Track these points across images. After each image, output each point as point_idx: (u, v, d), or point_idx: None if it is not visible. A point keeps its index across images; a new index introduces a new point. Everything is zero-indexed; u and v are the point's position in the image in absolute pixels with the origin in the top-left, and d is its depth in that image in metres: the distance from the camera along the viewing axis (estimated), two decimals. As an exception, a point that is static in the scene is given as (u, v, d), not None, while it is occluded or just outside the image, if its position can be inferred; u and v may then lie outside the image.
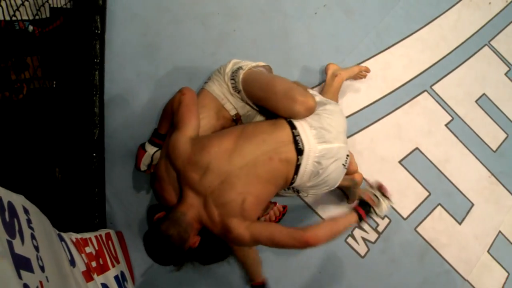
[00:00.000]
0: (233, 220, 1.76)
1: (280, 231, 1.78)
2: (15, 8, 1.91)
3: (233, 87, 2.12)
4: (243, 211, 1.77)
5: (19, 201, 0.95)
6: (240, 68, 2.11)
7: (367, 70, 2.62)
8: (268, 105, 2.01)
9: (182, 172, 1.82)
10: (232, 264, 2.26)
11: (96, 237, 1.72)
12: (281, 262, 2.37)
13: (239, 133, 1.89)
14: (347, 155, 1.98)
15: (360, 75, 2.62)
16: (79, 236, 1.57)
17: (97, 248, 1.66)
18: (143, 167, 2.09)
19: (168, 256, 1.79)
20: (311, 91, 2.09)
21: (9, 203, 0.88)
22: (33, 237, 0.95)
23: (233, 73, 2.12)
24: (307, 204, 2.45)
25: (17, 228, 0.89)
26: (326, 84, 2.50)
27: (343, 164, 1.96)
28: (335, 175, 1.95)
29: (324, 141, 1.89)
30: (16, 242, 0.86)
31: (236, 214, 1.77)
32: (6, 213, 0.86)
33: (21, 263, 0.84)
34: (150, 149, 2.07)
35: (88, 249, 1.54)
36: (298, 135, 1.87)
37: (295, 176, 1.89)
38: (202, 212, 1.80)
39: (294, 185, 1.94)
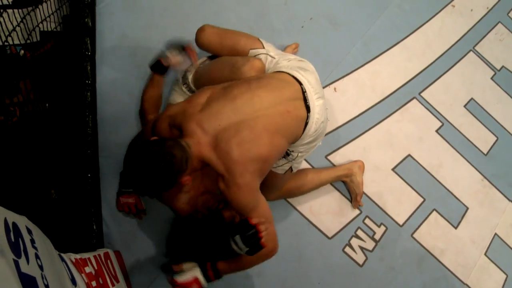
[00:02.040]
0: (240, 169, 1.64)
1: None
2: (7, 33, 1.93)
3: (188, 90, 2.20)
4: (259, 158, 1.67)
5: (22, 222, 0.96)
6: (187, 71, 2.20)
7: (356, 204, 2.54)
8: None
9: (183, 113, 1.70)
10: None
11: (95, 256, 1.72)
12: (279, 274, 2.37)
13: (249, 83, 1.79)
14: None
15: (353, 196, 2.54)
16: (78, 256, 1.56)
17: (96, 267, 1.65)
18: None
19: (161, 179, 1.57)
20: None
21: (14, 224, 0.89)
22: (37, 256, 0.95)
23: (183, 78, 2.21)
24: (306, 218, 2.47)
25: (22, 247, 0.89)
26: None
27: (326, 114, 2.02)
28: (324, 128, 2.01)
29: (319, 96, 1.91)
30: (22, 261, 0.86)
31: (250, 160, 1.65)
32: (12, 234, 0.86)
33: (28, 282, 0.84)
34: None
35: (87, 269, 1.53)
36: (305, 92, 1.86)
37: (302, 135, 1.89)
38: (209, 152, 1.64)
39: (295, 144, 1.94)
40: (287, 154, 2.03)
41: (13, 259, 0.82)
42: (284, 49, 2.60)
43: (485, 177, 2.78)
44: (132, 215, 2.22)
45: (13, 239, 0.86)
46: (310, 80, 1.91)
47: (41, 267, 0.95)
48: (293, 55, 2.11)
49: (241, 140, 1.64)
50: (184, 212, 1.92)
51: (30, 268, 0.88)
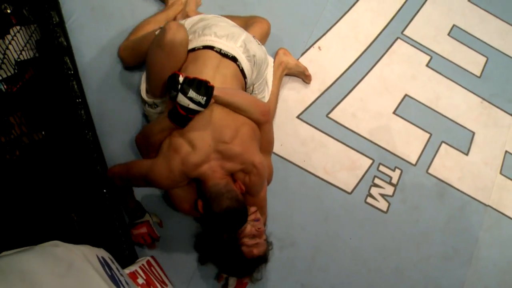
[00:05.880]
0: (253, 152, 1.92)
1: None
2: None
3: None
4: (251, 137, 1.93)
5: (105, 253, 0.97)
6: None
7: (309, 79, 2.62)
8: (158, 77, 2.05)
9: (181, 168, 1.85)
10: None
11: (140, 267, 1.74)
12: (311, 239, 2.41)
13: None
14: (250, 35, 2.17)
15: (303, 77, 2.62)
16: (127, 271, 1.59)
17: (145, 277, 1.68)
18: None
19: (238, 220, 1.87)
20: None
21: (102, 258, 0.90)
22: (126, 283, 0.96)
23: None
24: (323, 179, 2.50)
25: (117, 279, 0.91)
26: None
27: (256, 40, 2.15)
28: (259, 52, 2.10)
29: (236, 40, 2.03)
30: (123, 292, 0.88)
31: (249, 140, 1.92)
32: (106, 268, 0.88)
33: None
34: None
35: (139, 281, 1.56)
36: (221, 50, 1.98)
37: (245, 80, 2.06)
38: (225, 166, 1.88)
39: (249, 86, 2.15)
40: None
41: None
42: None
43: (483, 99, 2.81)
44: (147, 245, 2.23)
45: (109, 273, 0.88)
46: (218, 32, 2.02)
47: (132, 292, 0.97)
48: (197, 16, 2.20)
49: (229, 137, 1.87)
50: None
51: (129, 297, 0.90)
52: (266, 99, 2.31)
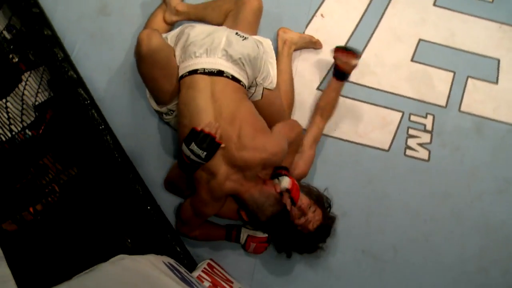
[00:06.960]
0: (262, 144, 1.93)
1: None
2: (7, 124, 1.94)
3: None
4: (260, 131, 1.97)
5: (171, 260, 1.01)
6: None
7: (319, 44, 2.58)
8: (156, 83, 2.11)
9: (211, 195, 1.95)
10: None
11: (203, 271, 1.79)
12: (361, 205, 2.43)
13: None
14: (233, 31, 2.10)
15: (312, 45, 2.58)
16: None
17: (210, 280, 1.71)
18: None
19: (284, 218, 1.98)
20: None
21: (169, 263, 0.94)
22: (198, 283, 1.00)
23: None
24: (358, 143, 2.47)
25: (188, 280, 0.94)
26: (278, 52, 2.45)
27: (240, 36, 2.06)
28: (245, 50, 2.02)
29: (214, 51, 1.99)
30: (195, 294, 0.91)
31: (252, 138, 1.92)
32: (175, 271, 0.92)
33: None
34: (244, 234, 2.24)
35: (206, 284, 1.59)
36: (205, 69, 1.96)
37: (242, 82, 2.02)
38: (247, 176, 1.93)
39: (251, 83, 2.10)
40: (249, 87, 2.14)
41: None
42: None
43: (502, 23, 2.69)
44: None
45: (179, 275, 0.92)
46: (197, 50, 1.99)
47: (203, 293, 1.01)
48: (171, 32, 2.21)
49: (236, 148, 1.89)
50: None
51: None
52: (274, 84, 2.22)
